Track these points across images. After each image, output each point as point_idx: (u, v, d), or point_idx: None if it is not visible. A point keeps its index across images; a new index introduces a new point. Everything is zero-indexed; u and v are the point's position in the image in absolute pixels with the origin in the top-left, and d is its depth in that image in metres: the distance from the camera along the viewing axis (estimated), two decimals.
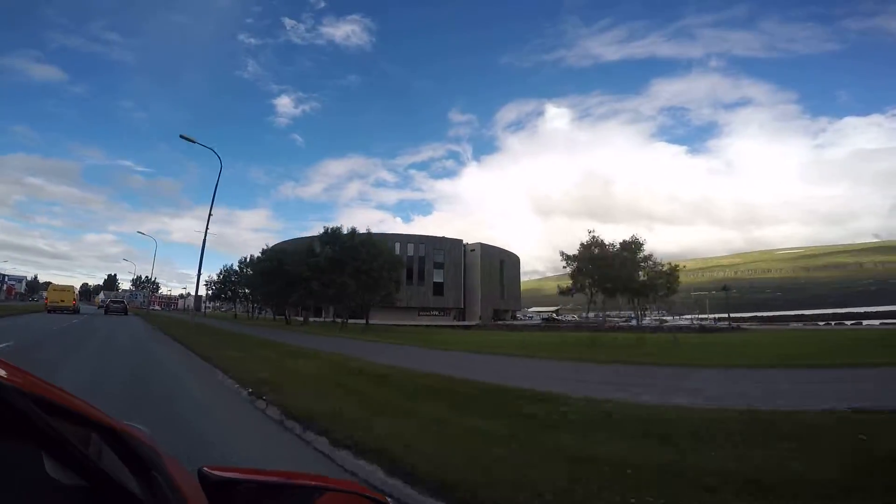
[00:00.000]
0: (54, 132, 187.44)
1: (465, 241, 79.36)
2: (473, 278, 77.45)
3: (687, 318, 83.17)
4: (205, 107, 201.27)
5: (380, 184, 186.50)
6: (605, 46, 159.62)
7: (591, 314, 66.55)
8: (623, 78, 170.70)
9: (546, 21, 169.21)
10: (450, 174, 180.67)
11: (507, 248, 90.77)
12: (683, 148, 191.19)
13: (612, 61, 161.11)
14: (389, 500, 1.13)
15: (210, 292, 69.12)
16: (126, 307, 49.20)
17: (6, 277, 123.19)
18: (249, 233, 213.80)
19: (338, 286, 39.51)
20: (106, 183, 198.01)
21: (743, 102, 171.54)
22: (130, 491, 0.66)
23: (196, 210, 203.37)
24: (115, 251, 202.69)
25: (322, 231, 44.31)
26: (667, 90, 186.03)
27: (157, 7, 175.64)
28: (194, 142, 20.25)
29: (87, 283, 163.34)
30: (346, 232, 42.35)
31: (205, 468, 0.87)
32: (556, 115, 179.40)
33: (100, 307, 65.58)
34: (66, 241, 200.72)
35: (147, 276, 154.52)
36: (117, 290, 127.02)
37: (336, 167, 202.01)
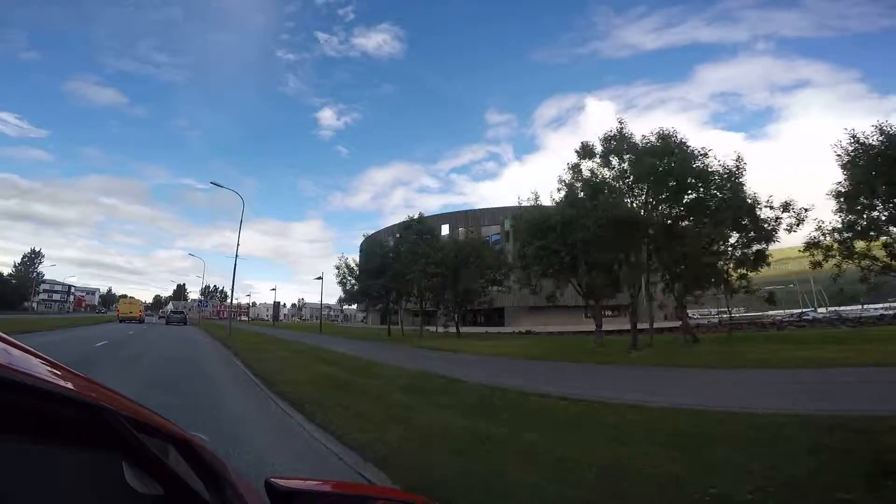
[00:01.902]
0: (122, 154, 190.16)
1: None
2: None
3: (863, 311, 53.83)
4: (252, 123, 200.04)
5: (423, 189, 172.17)
6: (643, 35, 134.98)
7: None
8: (666, 66, 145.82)
9: (575, 14, 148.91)
10: (491, 176, 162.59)
11: None
12: (740, 135, 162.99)
13: (652, 50, 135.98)
14: None
15: (347, 288, 40.06)
16: (185, 318, 47.51)
17: (73, 289, 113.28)
18: (304, 244, 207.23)
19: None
20: (172, 201, 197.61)
21: (800, 84, 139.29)
22: (203, 499, 0.70)
23: (255, 223, 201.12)
24: (183, 265, 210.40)
25: None
26: (715, 76, 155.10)
27: (198, 27, 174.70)
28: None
29: (159, 295, 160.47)
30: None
31: (271, 479, 0.90)
32: (598, 108, 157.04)
33: (161, 317, 61.16)
34: (141, 258, 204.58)
35: (215, 286, 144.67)
36: (186, 299, 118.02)
37: (380, 175, 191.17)
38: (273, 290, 54.53)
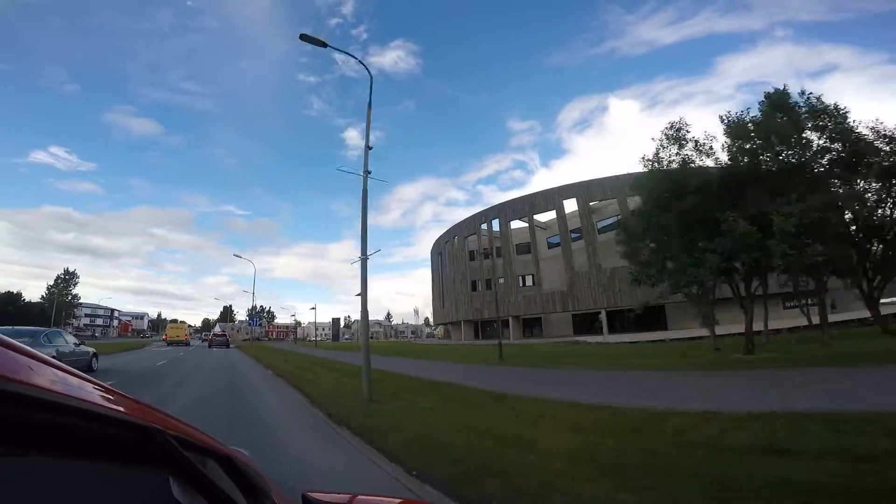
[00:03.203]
0: (165, 183, 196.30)
1: None
2: None
3: None
4: (283, 148, 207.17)
5: (451, 203, 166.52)
6: (657, 30, 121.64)
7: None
8: (686, 59, 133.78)
9: (586, 15, 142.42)
10: (518, 184, 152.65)
11: None
12: None
13: (670, 44, 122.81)
14: None
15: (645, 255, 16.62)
16: (228, 340, 44.26)
17: (117, 313, 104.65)
18: (340, 264, 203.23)
19: None
20: (215, 228, 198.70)
21: (828, 69, 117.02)
22: None
23: (293, 247, 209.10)
24: (229, 290, 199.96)
25: None
26: (737, 66, 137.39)
27: (222, 54, 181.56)
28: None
29: (207, 318, 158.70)
30: None
31: (308, 492, 0.92)
32: (622, 107, 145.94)
33: (203, 340, 56.29)
34: (190, 284, 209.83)
35: (262, 306, 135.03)
36: (233, 321, 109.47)
37: (409, 192, 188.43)
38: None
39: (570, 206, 40.32)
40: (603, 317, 36.64)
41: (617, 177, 39.08)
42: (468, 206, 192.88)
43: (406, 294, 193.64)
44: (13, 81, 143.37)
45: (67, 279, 70.61)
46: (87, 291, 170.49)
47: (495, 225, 46.87)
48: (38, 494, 0.47)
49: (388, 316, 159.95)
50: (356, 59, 10.80)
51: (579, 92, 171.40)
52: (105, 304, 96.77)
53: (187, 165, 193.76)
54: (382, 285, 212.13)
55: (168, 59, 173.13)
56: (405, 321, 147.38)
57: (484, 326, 50.54)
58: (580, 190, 39.68)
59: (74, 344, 12.39)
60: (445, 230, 55.80)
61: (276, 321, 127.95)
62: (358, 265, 8.57)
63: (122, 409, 0.55)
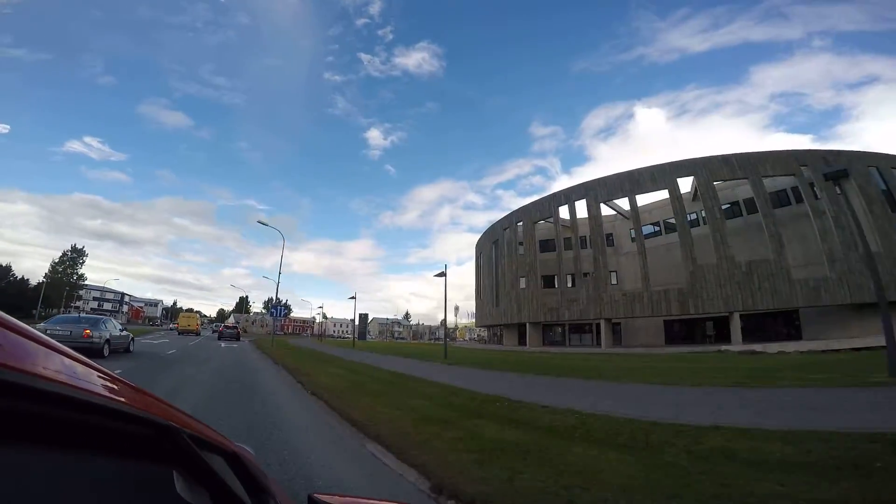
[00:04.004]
0: (190, 175, 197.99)
1: None
2: None
3: None
4: (306, 145, 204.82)
5: (469, 206, 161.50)
6: (689, 38, 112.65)
7: None
8: (718, 68, 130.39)
9: (616, 22, 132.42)
10: (538, 191, 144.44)
11: None
12: (808, 137, 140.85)
13: (702, 52, 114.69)
14: None
15: None
16: (238, 333, 38.99)
17: (128, 298, 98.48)
18: (357, 262, 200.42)
19: None
20: (236, 221, 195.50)
21: (868, 80, 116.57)
22: None
23: (311, 244, 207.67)
24: (246, 283, 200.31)
25: None
26: (771, 76, 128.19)
27: (251, 50, 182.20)
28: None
29: (223, 309, 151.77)
30: None
31: (315, 494, 0.91)
32: (649, 116, 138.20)
33: (214, 332, 51.45)
34: (208, 275, 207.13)
35: (278, 299, 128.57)
36: (248, 312, 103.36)
37: (427, 193, 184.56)
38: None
39: (684, 186, 31.44)
40: (736, 321, 27.56)
41: (758, 153, 29.94)
42: (486, 211, 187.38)
43: (420, 295, 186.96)
44: (53, 72, 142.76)
45: (75, 257, 63.84)
46: (108, 277, 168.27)
47: (566, 211, 37.96)
48: (43, 488, 0.44)
49: (407, 316, 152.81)
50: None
51: (605, 98, 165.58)
52: (114, 287, 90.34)
53: (213, 158, 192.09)
54: (398, 286, 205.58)
55: (200, 53, 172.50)
56: (421, 322, 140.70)
57: (545, 330, 41.59)
58: (700, 167, 30.64)
59: (119, 329, 14.65)
60: (503, 216, 46.99)
61: (292, 315, 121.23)
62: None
63: (143, 405, 0.53)
